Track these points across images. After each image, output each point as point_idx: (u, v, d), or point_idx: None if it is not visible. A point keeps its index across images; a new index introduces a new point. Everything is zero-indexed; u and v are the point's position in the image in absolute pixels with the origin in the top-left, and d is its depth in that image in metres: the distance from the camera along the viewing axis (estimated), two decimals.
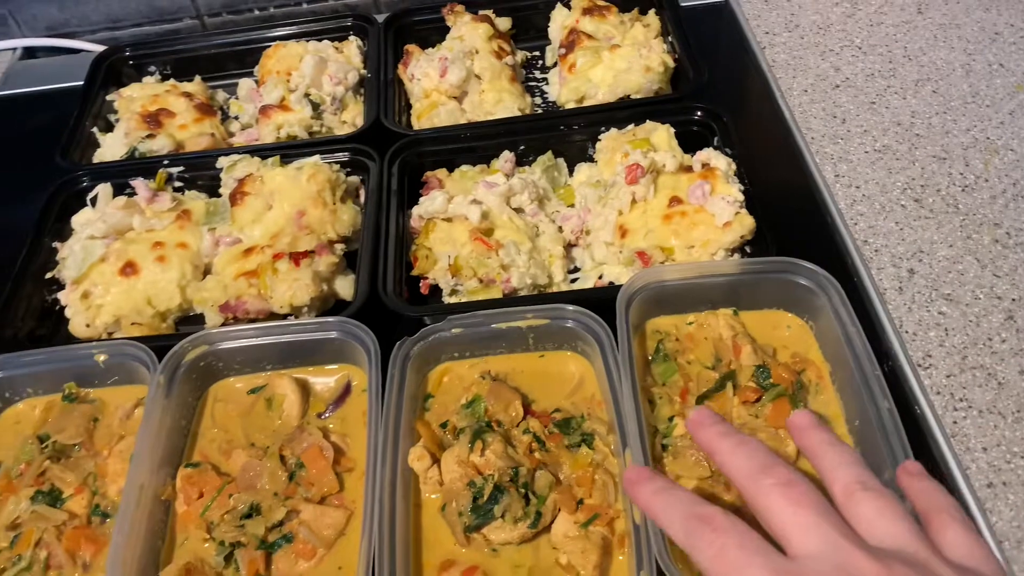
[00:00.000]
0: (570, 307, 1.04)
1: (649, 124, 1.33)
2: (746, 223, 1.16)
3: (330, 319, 1.07)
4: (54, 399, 1.12)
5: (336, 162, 1.36)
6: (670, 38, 1.52)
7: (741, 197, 1.18)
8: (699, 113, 1.35)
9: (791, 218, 1.26)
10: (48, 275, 1.29)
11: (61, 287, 1.28)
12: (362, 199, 1.36)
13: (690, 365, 1.07)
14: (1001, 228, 1.24)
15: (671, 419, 1.00)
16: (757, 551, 0.59)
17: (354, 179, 1.37)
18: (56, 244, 1.32)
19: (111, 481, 1.03)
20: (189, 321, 1.27)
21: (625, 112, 1.37)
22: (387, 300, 1.14)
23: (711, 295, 1.10)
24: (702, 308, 1.11)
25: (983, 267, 1.19)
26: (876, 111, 1.44)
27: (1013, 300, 1.15)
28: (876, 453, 0.92)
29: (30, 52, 1.89)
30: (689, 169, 1.26)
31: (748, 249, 1.19)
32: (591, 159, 1.38)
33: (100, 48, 1.78)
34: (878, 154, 1.37)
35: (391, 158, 1.34)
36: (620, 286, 1.09)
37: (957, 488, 0.98)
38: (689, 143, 1.31)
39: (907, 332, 1.13)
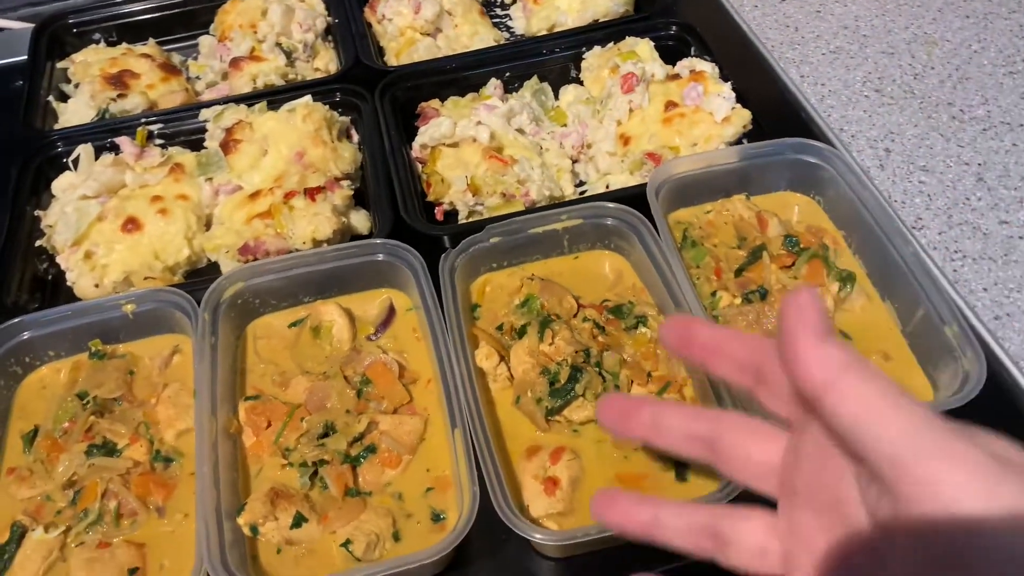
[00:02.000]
0: (610, 204, 1.08)
1: (630, 40, 1.39)
2: (744, 115, 1.23)
3: (375, 241, 1.07)
4: (79, 359, 1.07)
5: (325, 103, 1.35)
6: None
7: (733, 94, 1.26)
8: (673, 28, 1.41)
9: (770, 115, 1.34)
10: (38, 243, 1.22)
11: (51, 256, 1.22)
12: (354, 139, 1.36)
13: (716, 248, 1.13)
14: (955, 106, 1.37)
15: (714, 294, 1.06)
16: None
17: (344, 119, 1.36)
18: (38, 213, 1.25)
19: (166, 427, 1.00)
20: (199, 273, 1.23)
21: (602, 32, 1.42)
22: (413, 223, 1.15)
23: (723, 183, 1.17)
24: (716, 197, 1.18)
25: (947, 140, 1.31)
26: (823, 18, 1.55)
27: (979, 165, 1.27)
28: (907, 295, 1.01)
29: None
30: (676, 77, 1.32)
31: (745, 142, 1.26)
32: (574, 80, 1.42)
33: (24, 25, 1.69)
34: (833, 55, 1.48)
35: (381, 93, 1.34)
36: (633, 187, 1.14)
37: (971, 324, 1.08)
38: (666, 57, 1.38)
39: (896, 201, 1.23)
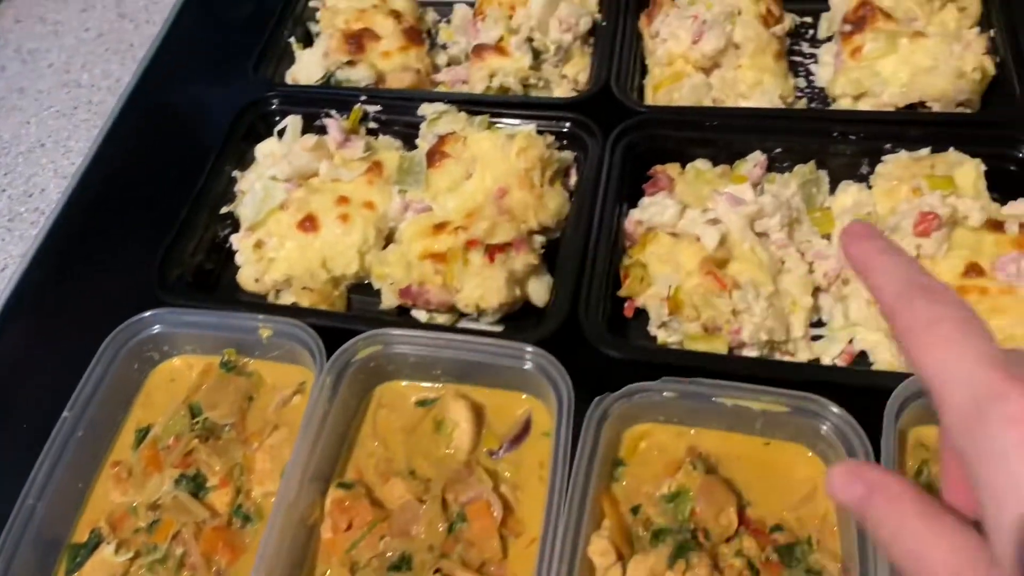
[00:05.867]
0: (835, 408, 0.82)
1: (954, 155, 1.04)
2: None
3: (526, 347, 0.90)
4: (212, 362, 1.03)
5: (550, 131, 1.16)
6: (992, 32, 1.18)
7: None
8: None
9: None
10: (224, 209, 1.18)
11: (235, 222, 1.17)
12: (571, 180, 1.16)
13: None
14: None
15: None
16: (976, 333, 0.40)
17: (567, 155, 1.17)
18: (236, 173, 1.20)
19: (257, 481, 0.93)
20: (362, 289, 1.13)
21: (921, 129, 1.08)
22: (587, 330, 0.96)
23: None
24: None
25: None
26: None
27: None
28: None
29: None
30: (998, 227, 0.97)
31: None
32: (860, 178, 1.11)
33: None
34: None
35: (616, 140, 1.12)
36: (883, 373, 0.86)
37: None
38: (999, 184, 1.02)
39: None
